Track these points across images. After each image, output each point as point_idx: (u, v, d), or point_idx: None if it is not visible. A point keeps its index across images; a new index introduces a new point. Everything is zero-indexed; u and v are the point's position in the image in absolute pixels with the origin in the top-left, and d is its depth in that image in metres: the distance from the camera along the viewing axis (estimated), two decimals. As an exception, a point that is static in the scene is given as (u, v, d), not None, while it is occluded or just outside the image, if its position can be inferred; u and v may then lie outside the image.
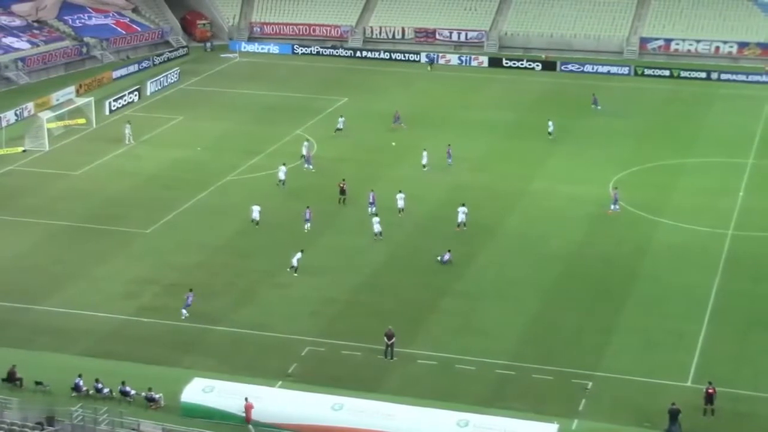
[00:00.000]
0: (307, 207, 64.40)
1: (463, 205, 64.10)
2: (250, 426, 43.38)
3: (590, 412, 44.91)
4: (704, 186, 71.06)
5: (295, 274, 57.17)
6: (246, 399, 43.40)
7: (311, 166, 73.98)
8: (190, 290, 54.10)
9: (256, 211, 64.50)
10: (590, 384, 46.80)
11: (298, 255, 57.47)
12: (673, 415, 43.23)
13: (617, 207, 66.04)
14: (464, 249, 60.04)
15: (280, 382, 47.00)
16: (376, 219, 63.33)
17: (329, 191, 69.28)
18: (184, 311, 53.13)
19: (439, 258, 58.51)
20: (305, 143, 77.54)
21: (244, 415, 43.29)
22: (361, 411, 43.06)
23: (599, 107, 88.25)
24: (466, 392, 46.32)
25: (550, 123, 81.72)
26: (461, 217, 63.74)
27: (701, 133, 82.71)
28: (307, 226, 63.40)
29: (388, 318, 51.36)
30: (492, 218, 64.91)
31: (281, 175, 71.13)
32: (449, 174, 73.16)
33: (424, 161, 74.08)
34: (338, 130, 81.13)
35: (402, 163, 75.22)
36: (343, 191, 67.90)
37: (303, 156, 74.94)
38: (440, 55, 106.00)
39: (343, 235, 63.05)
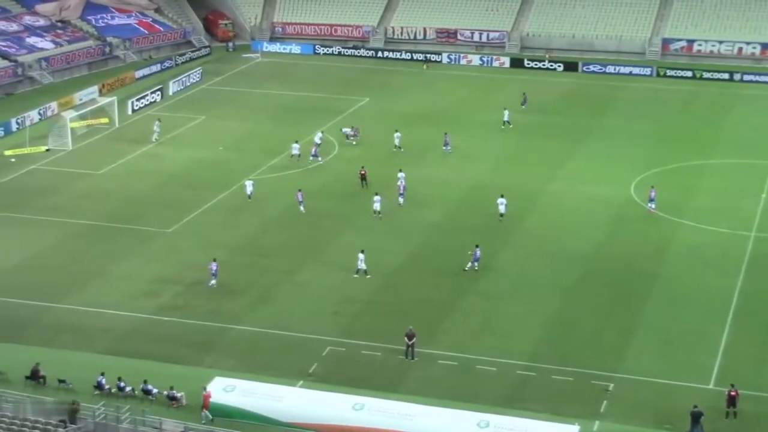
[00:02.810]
0: (299, 190, 66.85)
1: (502, 196, 64.51)
2: (207, 412, 43.80)
3: (611, 414, 44.80)
4: (726, 187, 70.75)
5: (367, 276, 57.13)
6: (204, 388, 44.07)
7: (319, 158, 75.76)
8: (214, 260, 56.09)
9: (249, 186, 68.14)
10: (612, 386, 46.69)
11: (361, 256, 57.36)
12: (696, 417, 43.05)
13: (653, 205, 65.85)
14: (484, 249, 59.84)
15: (301, 382, 47.08)
16: (376, 198, 64.93)
17: (347, 190, 69.52)
18: (213, 282, 55.59)
19: (469, 265, 57.93)
20: (319, 134, 78.59)
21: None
22: (381, 411, 43.12)
23: (525, 107, 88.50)
24: (486, 393, 46.30)
25: (506, 112, 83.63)
26: (502, 209, 63.98)
27: (723, 135, 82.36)
28: (301, 208, 65.70)
29: (409, 318, 51.38)
30: (512, 218, 64.80)
31: (294, 152, 75.10)
32: (468, 174, 73.16)
33: (396, 143, 77.38)
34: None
35: (421, 162, 75.23)
36: (363, 178, 68.98)
37: (317, 144, 76.85)
38: (462, 55, 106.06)
39: (363, 234, 63.02)
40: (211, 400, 44.00)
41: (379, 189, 67.40)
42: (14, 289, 56.03)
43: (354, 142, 79.68)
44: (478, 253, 58.01)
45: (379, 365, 48.81)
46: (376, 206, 65.09)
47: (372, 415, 42.92)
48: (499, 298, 55.44)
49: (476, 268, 57.77)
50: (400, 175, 69.06)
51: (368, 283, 56.81)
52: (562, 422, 43.02)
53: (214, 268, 56.18)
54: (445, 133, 78.39)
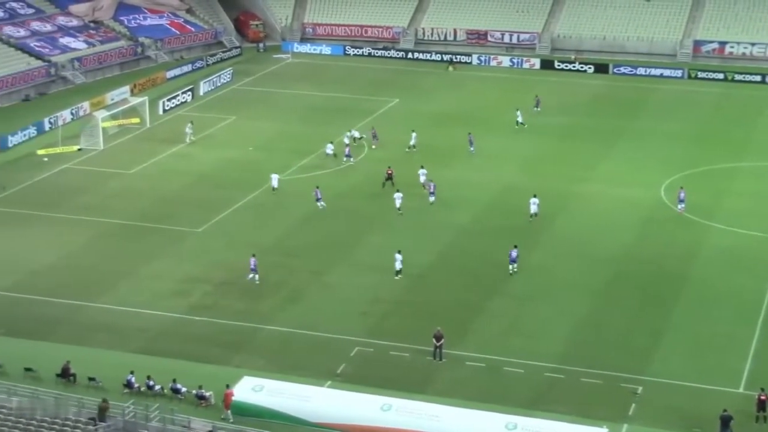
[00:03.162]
0: (317, 187, 67.71)
1: (535, 196, 64.63)
2: (228, 412, 44.00)
3: (640, 417, 44.65)
4: (757, 190, 70.30)
5: (397, 277, 57.22)
6: (227, 386, 44.32)
7: (352, 159, 76.16)
8: (253, 255, 56.84)
9: (275, 179, 69.85)
10: (640, 389, 46.52)
11: (398, 257, 57.48)
12: (725, 421, 42.83)
13: (683, 206, 65.66)
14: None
15: (329, 382, 47.23)
16: (398, 195, 65.83)
17: (376, 190, 69.62)
18: (250, 276, 56.56)
19: (511, 268, 57.79)
20: (347, 134, 79.14)
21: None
22: (409, 412, 43.19)
23: (539, 109, 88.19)
24: (514, 395, 46.26)
25: (518, 112, 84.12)
26: (533, 209, 64.02)
27: (755, 137, 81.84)
28: (321, 204, 66.71)
29: (437, 319, 51.39)
30: (542, 220, 64.70)
31: (329, 152, 76.46)
32: (498, 175, 73.10)
33: (412, 142, 77.91)
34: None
35: (449, 163, 75.20)
36: (389, 177, 69.45)
37: (347, 144, 77.51)
38: (492, 56, 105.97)
39: (391, 235, 63.11)
40: (238, 399, 44.21)
41: (405, 188, 67.50)
42: (47, 288, 56.53)
43: (374, 146, 79.47)
44: (513, 254, 57.83)
45: (407, 366, 48.86)
46: (397, 203, 65.58)
47: (400, 416, 43.00)
48: (528, 299, 55.36)
49: (511, 271, 57.60)
50: (421, 171, 69.53)
51: (397, 283, 56.89)
52: (589, 425, 42.88)
53: (253, 263, 56.78)
54: (469, 133, 78.39)
